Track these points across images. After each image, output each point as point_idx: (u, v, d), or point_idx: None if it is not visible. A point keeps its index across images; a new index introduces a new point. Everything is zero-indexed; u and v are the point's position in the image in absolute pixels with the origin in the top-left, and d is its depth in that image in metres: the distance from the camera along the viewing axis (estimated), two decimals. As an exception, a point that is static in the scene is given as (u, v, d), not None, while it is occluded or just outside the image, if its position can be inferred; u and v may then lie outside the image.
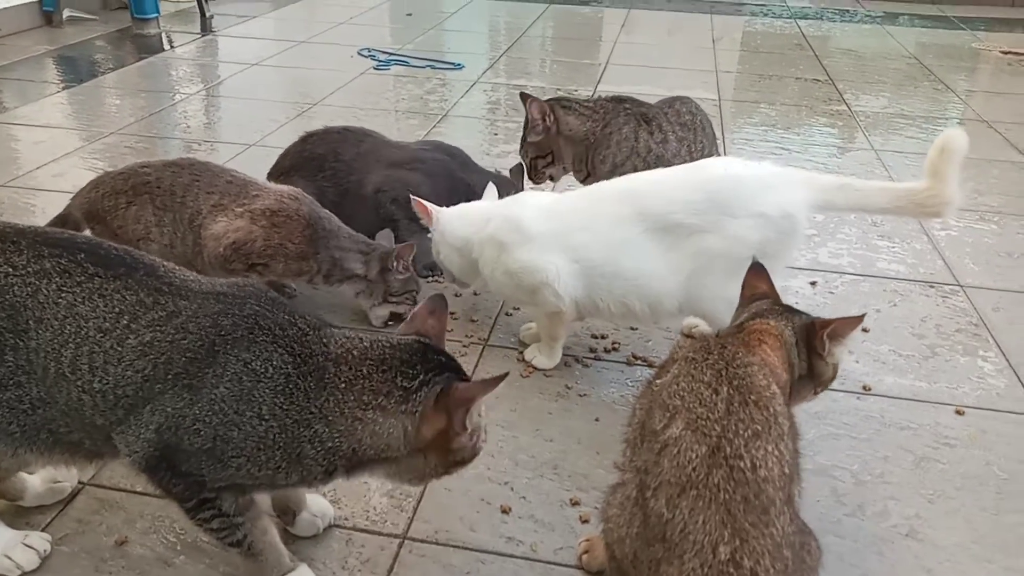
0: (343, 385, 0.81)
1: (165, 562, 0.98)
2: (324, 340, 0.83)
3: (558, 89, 2.84)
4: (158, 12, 3.60)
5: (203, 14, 3.93)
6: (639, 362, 1.40)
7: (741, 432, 0.76)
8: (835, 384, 1.00)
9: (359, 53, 3.29)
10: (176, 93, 2.74)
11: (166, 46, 3.39)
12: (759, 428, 0.76)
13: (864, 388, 1.34)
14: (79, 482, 1.07)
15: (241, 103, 2.67)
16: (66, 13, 3.62)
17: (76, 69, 3.04)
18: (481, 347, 1.43)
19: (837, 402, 1.30)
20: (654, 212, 1.23)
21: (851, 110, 2.81)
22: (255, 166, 1.82)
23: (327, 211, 1.46)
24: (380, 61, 3.17)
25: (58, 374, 0.81)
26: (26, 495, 1.01)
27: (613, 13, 4.30)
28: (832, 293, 1.64)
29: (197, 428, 0.80)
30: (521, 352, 1.40)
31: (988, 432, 1.25)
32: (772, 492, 0.73)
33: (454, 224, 1.36)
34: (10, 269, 0.83)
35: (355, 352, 0.83)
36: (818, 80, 3.15)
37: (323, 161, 1.55)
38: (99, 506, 1.05)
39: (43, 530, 1.00)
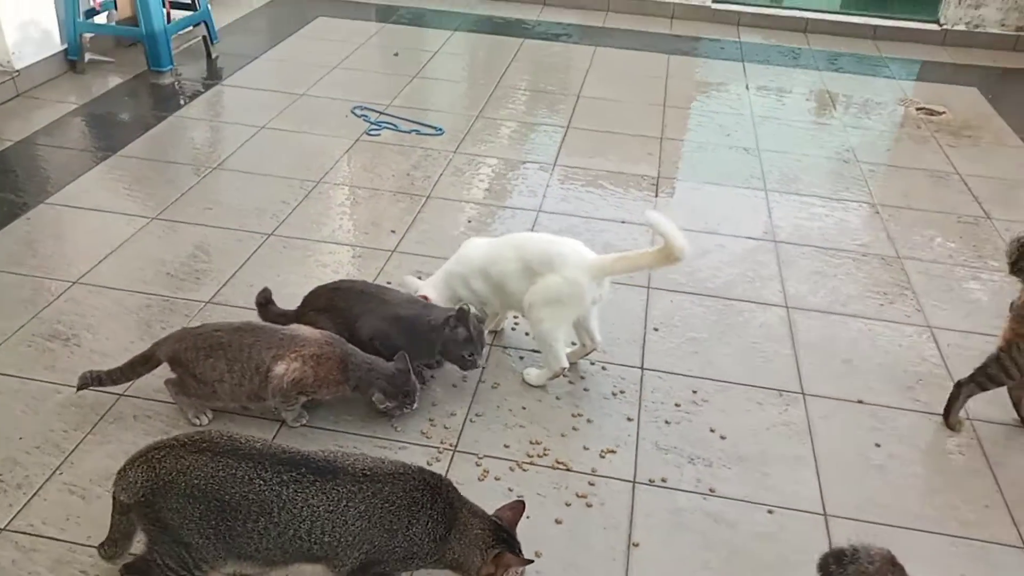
0: (466, 534, 1.45)
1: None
2: (457, 506, 1.47)
3: (539, 162, 3.35)
4: (172, 65, 4.03)
5: (209, 56, 4.36)
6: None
7: None
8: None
9: (353, 112, 3.76)
10: (198, 166, 3.22)
11: (180, 101, 3.83)
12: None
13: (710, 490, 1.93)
14: None
15: (255, 180, 3.16)
16: (87, 57, 4.04)
17: (106, 133, 3.50)
18: (451, 453, 1.99)
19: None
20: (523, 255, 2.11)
21: (764, 182, 3.34)
22: (278, 259, 2.41)
23: (352, 346, 2.01)
24: (372, 123, 3.65)
25: (297, 536, 1.40)
26: None
27: (581, 51, 4.76)
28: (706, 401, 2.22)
29: (394, 554, 1.42)
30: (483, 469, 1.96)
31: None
32: None
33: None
34: (261, 482, 1.40)
35: (477, 517, 1.47)
36: (746, 151, 3.67)
37: (343, 312, 2.10)
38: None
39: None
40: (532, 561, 1.51)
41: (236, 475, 1.39)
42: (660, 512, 1.85)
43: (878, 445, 2.08)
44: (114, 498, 1.45)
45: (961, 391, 2.10)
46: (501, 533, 1.47)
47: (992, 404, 2.20)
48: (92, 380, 2.01)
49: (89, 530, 1.71)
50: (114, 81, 3.97)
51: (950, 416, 2.12)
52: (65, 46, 3.95)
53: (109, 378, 2.01)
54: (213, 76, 4.15)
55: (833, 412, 2.18)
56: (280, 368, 1.92)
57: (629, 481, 1.92)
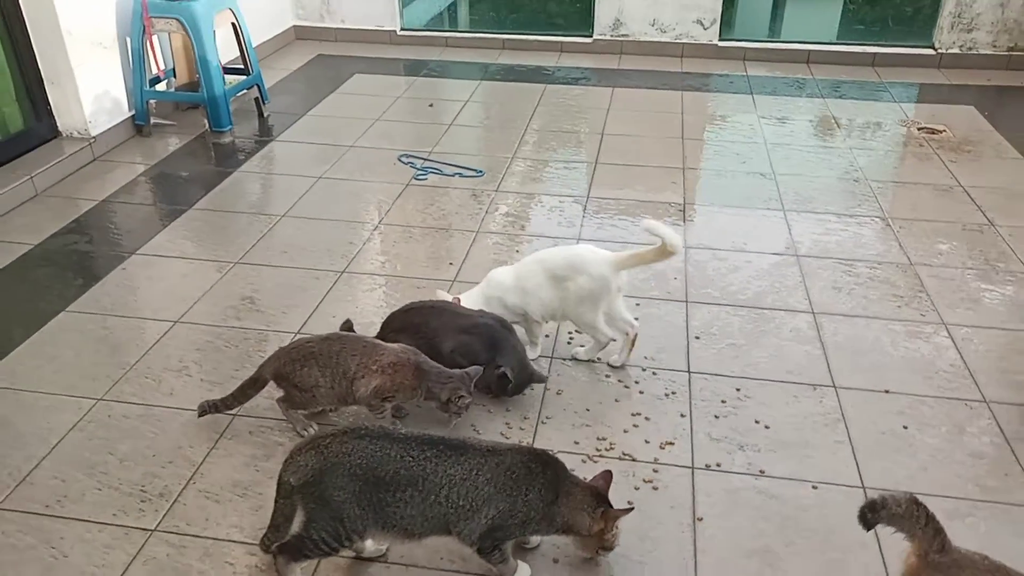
0: (571, 499, 1.73)
1: (377, 597, 1.82)
2: (563, 476, 1.76)
3: (575, 196, 3.67)
4: (231, 125, 4.40)
5: (261, 115, 4.74)
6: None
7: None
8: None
9: (400, 160, 4.10)
10: (269, 215, 3.56)
11: (240, 157, 4.18)
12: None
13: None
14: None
15: (321, 224, 3.48)
16: (152, 121, 4.42)
17: (179, 190, 3.84)
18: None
19: (749, 478, 2.14)
20: (549, 268, 2.49)
21: (781, 203, 3.64)
22: (352, 292, 2.71)
23: (425, 356, 2.29)
24: (418, 169, 3.99)
25: (437, 501, 1.68)
26: (364, 552, 1.89)
27: (600, 92, 5.11)
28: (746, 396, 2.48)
29: (515, 517, 1.70)
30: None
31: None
32: None
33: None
34: (410, 458, 1.69)
35: (578, 486, 1.76)
36: (762, 175, 3.98)
37: (418, 327, 2.38)
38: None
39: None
40: (632, 509, 1.81)
41: (390, 454, 1.69)
42: (718, 492, 2.11)
43: (905, 427, 2.34)
44: (280, 484, 1.74)
45: None
46: (600, 495, 1.76)
47: (1009, 387, 2.46)
48: (210, 408, 2.31)
49: (228, 528, 2.00)
50: (178, 143, 4.34)
51: None
52: (132, 112, 4.33)
53: (224, 404, 2.30)
54: (267, 134, 4.51)
55: (863, 401, 2.44)
56: (362, 384, 2.20)
57: (688, 467, 2.19)
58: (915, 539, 1.48)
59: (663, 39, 5.79)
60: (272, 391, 2.30)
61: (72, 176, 3.91)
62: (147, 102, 4.33)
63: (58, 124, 4.07)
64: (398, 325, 2.44)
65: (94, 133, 4.09)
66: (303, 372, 2.22)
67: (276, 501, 1.77)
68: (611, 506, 1.77)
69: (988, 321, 2.82)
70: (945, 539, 1.45)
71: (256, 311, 2.86)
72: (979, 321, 2.82)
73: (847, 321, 2.83)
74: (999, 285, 3.04)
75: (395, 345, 2.30)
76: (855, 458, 2.23)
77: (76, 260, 3.21)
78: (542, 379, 2.43)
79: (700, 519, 2.03)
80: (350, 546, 1.75)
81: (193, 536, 1.98)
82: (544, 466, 1.75)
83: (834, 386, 2.51)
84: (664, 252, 2.39)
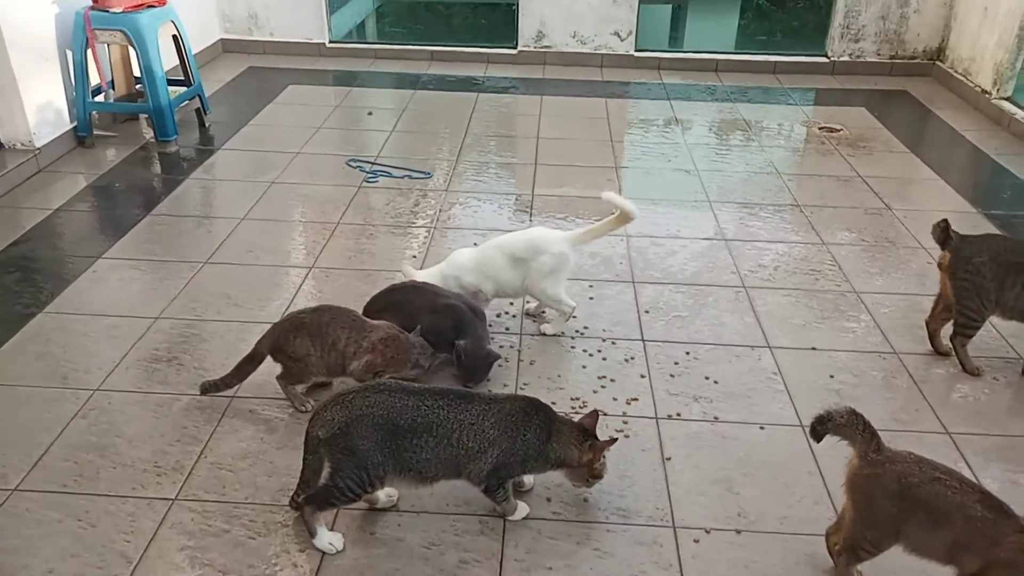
0: (562, 436, 1.97)
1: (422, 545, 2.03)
2: (553, 418, 1.99)
3: (519, 195, 3.94)
4: (177, 134, 4.48)
5: (202, 124, 4.82)
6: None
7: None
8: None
9: (348, 164, 4.28)
10: (228, 218, 3.68)
11: (188, 165, 4.27)
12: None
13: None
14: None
15: (281, 225, 3.64)
16: (95, 132, 4.45)
17: (133, 198, 3.91)
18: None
19: (705, 425, 2.45)
20: (509, 252, 2.75)
21: (707, 195, 4.02)
22: (322, 285, 2.87)
23: (408, 334, 2.50)
24: (368, 173, 4.18)
25: (449, 444, 1.89)
26: (378, 502, 2.08)
27: (529, 100, 5.42)
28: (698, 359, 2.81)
29: (515, 456, 1.92)
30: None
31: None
32: None
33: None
34: (425, 408, 1.91)
35: (566, 425, 2.01)
36: (684, 172, 4.36)
37: (400, 306, 2.60)
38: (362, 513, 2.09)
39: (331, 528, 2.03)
40: (616, 440, 2.10)
41: (407, 405, 1.90)
42: (681, 436, 2.41)
43: (832, 376, 2.70)
44: (307, 439, 1.92)
45: (955, 344, 2.72)
46: (587, 431, 2.02)
47: (914, 340, 2.87)
48: (211, 387, 2.46)
49: (245, 492, 2.16)
50: (123, 153, 4.38)
51: (966, 366, 2.71)
52: (74, 124, 4.35)
53: (224, 383, 2.46)
54: (210, 143, 4.60)
55: (794, 358, 2.80)
56: (354, 360, 2.39)
57: (652, 418, 2.48)
58: (856, 443, 1.80)
59: (583, 50, 6.16)
60: (267, 374, 2.47)
61: (20, 187, 3.92)
62: (90, 114, 4.36)
63: (0, 136, 4.07)
64: (381, 305, 2.64)
65: (38, 144, 4.10)
66: (295, 343, 2.40)
67: (304, 458, 1.95)
68: (597, 439, 2.03)
69: (892, 288, 3.24)
70: (879, 441, 1.78)
71: (234, 305, 3.00)
72: (885, 288, 3.24)
73: (774, 293, 3.19)
74: (899, 258, 3.48)
75: (381, 322, 2.50)
76: (793, 403, 2.57)
77: (43, 266, 3.26)
78: (497, 357, 2.66)
79: (668, 459, 2.32)
80: (372, 492, 1.96)
81: (214, 502, 2.13)
82: (537, 410, 2.00)
83: (769, 346, 2.86)
84: (624, 219, 2.75)
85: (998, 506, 1.65)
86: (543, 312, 2.96)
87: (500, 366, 2.67)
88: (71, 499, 2.12)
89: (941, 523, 1.67)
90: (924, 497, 1.69)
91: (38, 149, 4.09)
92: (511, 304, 3.05)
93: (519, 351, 2.77)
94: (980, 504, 1.65)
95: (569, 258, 2.79)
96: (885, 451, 1.78)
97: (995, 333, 2.93)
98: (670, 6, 8.06)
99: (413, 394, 1.94)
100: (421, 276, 2.81)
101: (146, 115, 4.50)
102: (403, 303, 2.62)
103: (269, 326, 2.79)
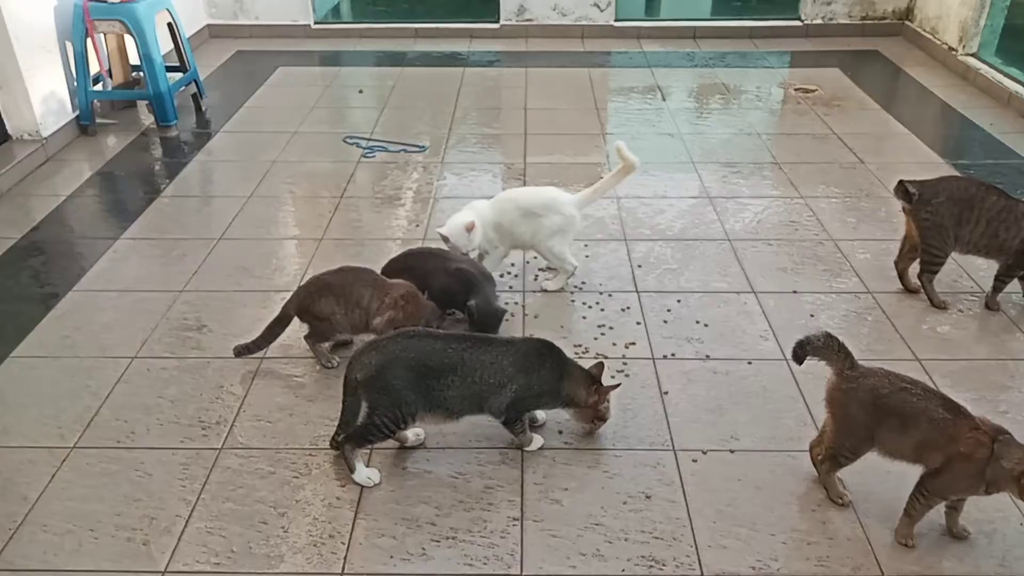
0: (572, 376, 2.19)
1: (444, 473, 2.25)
2: (564, 358, 2.21)
3: (511, 164, 4.14)
4: (176, 119, 4.63)
5: (199, 109, 4.97)
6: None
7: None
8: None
9: (345, 141, 4.45)
10: (236, 197, 3.85)
11: (190, 148, 4.43)
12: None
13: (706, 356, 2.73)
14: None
15: (288, 201, 3.82)
16: (96, 120, 4.59)
17: (142, 181, 4.07)
18: (521, 358, 2.73)
19: (698, 363, 2.69)
20: (524, 207, 2.93)
21: (690, 157, 4.23)
22: (334, 254, 3.05)
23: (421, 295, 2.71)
24: (365, 148, 4.36)
25: (472, 381, 2.10)
26: (407, 441, 2.29)
27: (515, 73, 5.59)
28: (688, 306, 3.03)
29: (531, 391, 2.14)
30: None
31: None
32: None
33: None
34: (451, 350, 2.13)
35: (576, 367, 2.25)
36: (669, 136, 4.57)
37: (414, 269, 2.80)
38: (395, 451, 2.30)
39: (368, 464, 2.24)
40: (620, 385, 2.33)
41: (436, 347, 2.12)
42: (676, 373, 2.64)
43: (812, 316, 2.94)
44: (346, 382, 2.13)
45: (923, 281, 2.96)
46: (594, 376, 2.24)
47: (886, 280, 3.11)
48: (244, 350, 2.66)
49: (286, 439, 2.37)
50: (125, 139, 4.53)
51: (934, 301, 2.94)
52: (76, 113, 4.49)
53: (255, 345, 2.66)
54: (208, 126, 4.76)
55: (777, 301, 3.03)
56: (377, 315, 2.59)
57: (649, 358, 2.71)
58: (832, 363, 2.03)
59: (564, 22, 6.32)
60: (291, 337, 2.67)
61: (30, 176, 4.07)
62: (92, 102, 4.50)
63: (7, 128, 4.20)
64: (399, 266, 2.85)
65: (45, 134, 4.25)
66: (321, 303, 2.60)
67: (344, 400, 2.17)
68: (602, 383, 2.26)
69: (866, 235, 3.48)
70: (854, 360, 2.01)
71: (253, 276, 3.19)
72: (859, 235, 3.48)
73: (756, 244, 3.42)
74: (872, 208, 3.72)
75: (399, 280, 2.70)
76: (777, 340, 2.80)
77: (65, 248, 3.43)
78: (505, 312, 2.87)
79: (666, 393, 2.55)
80: (404, 428, 2.17)
81: (258, 448, 2.34)
82: (550, 351, 2.22)
83: (753, 291, 3.09)
84: (627, 170, 3.00)
85: (956, 408, 1.89)
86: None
87: (507, 320, 2.88)
88: (125, 453, 2.33)
89: (909, 426, 1.91)
90: (893, 405, 1.92)
91: (45, 139, 4.24)
92: (512, 265, 3.25)
93: (523, 307, 2.98)
94: (942, 408, 1.89)
95: (577, 220, 2.99)
96: (858, 368, 2.01)
97: (961, 270, 3.18)
98: (647, -24, 8.20)
99: (440, 339, 2.15)
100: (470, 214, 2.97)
101: (146, 101, 4.64)
102: (417, 267, 2.82)
103: (287, 293, 2.99)
